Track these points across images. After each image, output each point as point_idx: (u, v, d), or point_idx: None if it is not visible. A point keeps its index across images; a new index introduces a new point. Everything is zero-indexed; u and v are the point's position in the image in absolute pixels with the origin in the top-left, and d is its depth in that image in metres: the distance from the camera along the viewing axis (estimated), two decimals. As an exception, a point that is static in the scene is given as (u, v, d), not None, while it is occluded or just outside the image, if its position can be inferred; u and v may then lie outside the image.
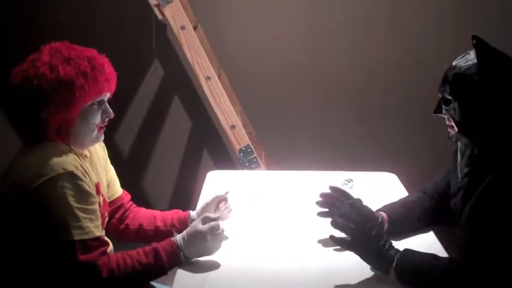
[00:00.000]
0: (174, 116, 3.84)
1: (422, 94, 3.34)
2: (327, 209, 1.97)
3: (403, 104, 3.79)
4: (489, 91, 1.70)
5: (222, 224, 1.85)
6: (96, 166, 1.95)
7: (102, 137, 1.89)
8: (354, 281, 1.73)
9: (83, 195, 1.72)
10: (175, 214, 2.14)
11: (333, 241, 1.76)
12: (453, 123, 1.79)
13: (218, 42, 3.58)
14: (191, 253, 1.80)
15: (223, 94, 3.13)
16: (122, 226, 2.11)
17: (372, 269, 1.75)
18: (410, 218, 2.04)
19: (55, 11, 3.66)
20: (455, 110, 1.76)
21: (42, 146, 1.76)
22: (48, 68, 1.72)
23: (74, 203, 1.68)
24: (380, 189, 2.43)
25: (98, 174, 1.94)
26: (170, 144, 3.88)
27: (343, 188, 2.36)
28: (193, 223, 1.86)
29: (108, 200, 2.03)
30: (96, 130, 1.84)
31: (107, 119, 1.87)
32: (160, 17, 3.32)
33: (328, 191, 1.97)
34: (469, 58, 1.74)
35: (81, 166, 1.77)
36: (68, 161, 1.72)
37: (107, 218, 2.00)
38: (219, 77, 3.23)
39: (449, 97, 1.77)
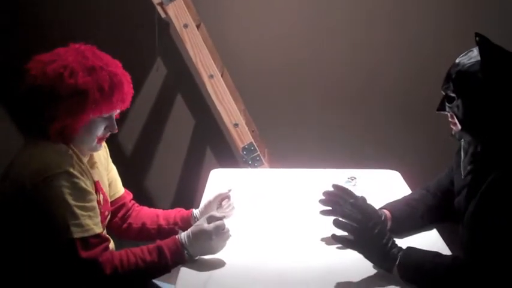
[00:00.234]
0: (177, 114, 3.84)
1: (425, 91, 3.34)
2: (329, 207, 1.97)
3: (406, 101, 3.79)
4: (492, 88, 1.70)
5: (225, 222, 1.85)
6: (97, 165, 1.96)
7: (100, 148, 1.89)
8: (357, 278, 1.73)
9: (81, 193, 1.72)
10: (178, 212, 2.14)
11: (335, 240, 1.76)
12: (456, 121, 1.78)
13: (221, 41, 3.58)
14: (195, 251, 1.80)
15: (226, 92, 3.13)
16: (125, 225, 2.11)
17: (375, 267, 1.75)
18: (414, 215, 2.03)
19: (57, 10, 3.65)
20: (458, 107, 1.76)
21: (42, 145, 1.76)
22: (69, 72, 1.71)
23: (72, 201, 1.69)
24: (383, 187, 2.43)
25: (98, 173, 1.94)
26: (173, 143, 3.88)
27: (347, 185, 2.36)
28: (199, 222, 1.86)
29: (110, 199, 2.03)
30: (96, 141, 1.84)
31: (108, 134, 1.87)
32: (163, 15, 3.32)
33: (332, 189, 1.97)
34: (472, 55, 1.74)
35: (79, 165, 1.77)
36: (65, 160, 1.72)
37: (108, 217, 2.00)
38: (222, 75, 3.23)
39: (453, 94, 1.76)
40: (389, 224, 1.97)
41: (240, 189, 2.33)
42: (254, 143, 3.18)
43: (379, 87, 3.77)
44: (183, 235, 1.82)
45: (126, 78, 1.83)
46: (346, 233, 1.76)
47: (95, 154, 1.97)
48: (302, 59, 3.72)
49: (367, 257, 1.73)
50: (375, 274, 1.74)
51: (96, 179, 1.90)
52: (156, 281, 2.07)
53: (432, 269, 1.65)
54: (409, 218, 2.03)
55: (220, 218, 1.85)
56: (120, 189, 2.12)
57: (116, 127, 1.86)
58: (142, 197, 3.58)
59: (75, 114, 1.73)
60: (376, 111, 3.81)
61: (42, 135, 1.77)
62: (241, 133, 3.16)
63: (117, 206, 2.10)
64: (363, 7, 3.65)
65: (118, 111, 1.86)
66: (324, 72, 3.74)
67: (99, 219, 1.79)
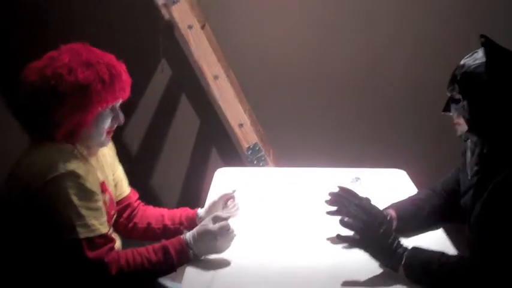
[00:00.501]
0: (182, 114, 3.85)
1: (432, 90, 3.33)
2: (335, 208, 1.97)
3: (411, 100, 3.78)
4: (498, 89, 1.69)
5: (230, 222, 1.85)
6: (103, 165, 1.96)
7: (109, 142, 1.90)
8: (363, 278, 1.73)
9: (86, 194, 1.73)
10: (183, 212, 2.15)
11: (340, 240, 1.76)
12: (461, 122, 1.78)
13: (226, 41, 3.58)
14: (200, 251, 1.81)
15: (231, 93, 3.14)
16: (130, 225, 2.11)
17: (381, 266, 1.75)
18: (419, 215, 2.03)
19: (62, 11, 3.66)
20: (464, 108, 1.75)
21: (47, 146, 1.76)
22: (67, 70, 1.72)
23: (77, 202, 1.69)
24: (389, 186, 2.42)
25: (104, 173, 1.95)
26: (178, 143, 3.89)
27: (352, 185, 2.38)
28: (204, 221, 1.86)
29: (116, 199, 2.04)
30: (105, 134, 1.85)
31: (115, 125, 1.88)
32: (167, 16, 3.33)
33: (337, 190, 1.97)
34: (478, 57, 1.74)
35: (84, 165, 1.78)
36: (70, 161, 1.73)
37: (114, 216, 2.00)
38: (227, 76, 3.23)
39: (458, 96, 1.76)
40: (395, 223, 1.97)
41: (245, 189, 2.33)
42: (259, 143, 3.18)
43: (385, 86, 3.77)
44: (188, 235, 1.82)
45: (122, 68, 1.84)
46: (352, 233, 1.76)
47: (101, 154, 1.98)
48: (307, 58, 3.72)
49: (373, 256, 1.73)
50: (380, 274, 1.74)
51: (101, 179, 1.90)
52: (162, 280, 2.07)
53: (438, 269, 1.65)
54: (415, 217, 2.03)
55: (226, 219, 1.86)
56: (126, 189, 2.13)
57: (122, 118, 1.87)
58: (148, 196, 3.57)
59: (82, 109, 1.74)
60: (382, 110, 3.81)
61: (47, 136, 1.78)
62: (246, 133, 3.16)
63: (123, 205, 2.11)
64: (368, 5, 3.64)
65: (120, 101, 1.86)
66: (329, 71, 3.74)
67: (105, 219, 1.79)
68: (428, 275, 1.67)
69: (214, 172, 2.63)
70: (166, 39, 3.60)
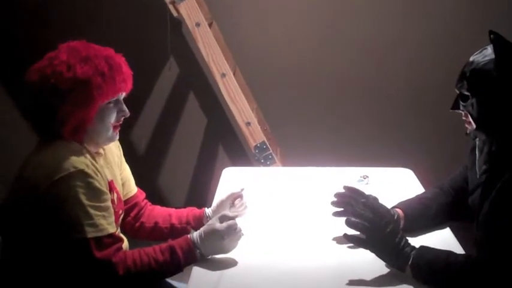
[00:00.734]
0: (189, 113, 3.85)
1: (437, 89, 3.33)
2: (342, 209, 1.96)
3: (419, 99, 3.77)
4: (507, 86, 1.68)
5: (237, 221, 1.85)
6: (111, 164, 1.96)
7: (117, 137, 1.90)
8: (369, 278, 1.72)
9: (95, 193, 1.73)
10: (190, 211, 2.14)
11: (347, 239, 1.76)
12: (471, 120, 1.77)
13: (233, 39, 3.58)
14: (207, 251, 1.80)
15: (238, 91, 3.14)
16: (137, 224, 2.11)
17: (388, 266, 1.74)
18: (427, 214, 2.02)
19: (70, 9, 3.68)
20: (473, 106, 1.74)
21: (55, 145, 1.77)
22: (66, 67, 1.73)
23: (86, 201, 1.69)
24: (396, 185, 2.42)
25: (112, 172, 1.95)
26: (186, 141, 3.89)
27: (359, 184, 2.37)
28: (211, 221, 1.86)
29: (123, 199, 2.04)
30: (112, 129, 1.85)
31: (122, 118, 1.87)
32: (175, 14, 3.33)
33: (343, 190, 1.96)
34: (487, 53, 1.72)
35: (93, 164, 1.78)
36: (79, 160, 1.73)
37: (121, 216, 2.00)
38: (234, 74, 3.23)
39: (467, 93, 1.75)
40: (402, 222, 1.96)
41: (253, 188, 2.33)
42: (266, 142, 3.18)
43: (392, 85, 3.76)
44: (195, 234, 1.82)
45: (121, 60, 1.84)
46: (358, 232, 1.75)
47: (109, 153, 1.98)
48: (314, 57, 3.71)
49: (379, 256, 1.73)
50: (387, 273, 1.73)
51: (109, 178, 1.90)
52: (169, 280, 2.07)
53: (445, 269, 1.64)
54: (422, 216, 2.02)
55: (233, 218, 1.84)
56: (133, 189, 2.13)
57: (127, 111, 1.87)
58: (155, 195, 3.59)
59: (84, 105, 1.74)
60: (389, 109, 3.80)
61: (55, 135, 1.78)
62: (253, 132, 3.16)
63: (130, 205, 2.11)
64: (375, 5, 3.64)
65: (124, 94, 1.86)
66: (336, 70, 3.74)
67: (113, 218, 1.79)
68: (436, 275, 1.66)
69: (221, 171, 2.62)
70: (175, 37, 3.61)
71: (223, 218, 1.84)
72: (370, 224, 1.72)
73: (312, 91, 3.77)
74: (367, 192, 1.91)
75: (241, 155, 3.84)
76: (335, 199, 1.97)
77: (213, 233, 1.79)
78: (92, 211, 1.70)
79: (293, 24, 3.68)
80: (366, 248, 1.74)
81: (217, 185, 2.45)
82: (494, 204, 1.70)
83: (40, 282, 1.77)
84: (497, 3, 3.60)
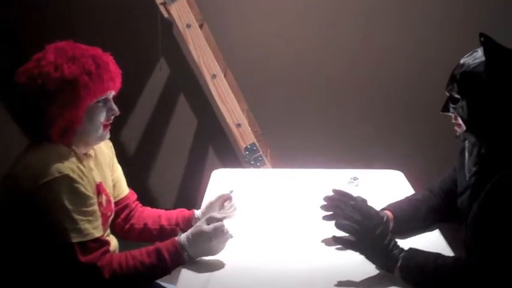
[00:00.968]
0: (179, 114, 3.84)
1: (429, 91, 3.33)
2: (331, 212, 1.96)
3: (409, 101, 3.78)
4: (497, 89, 1.68)
5: (226, 223, 1.84)
6: (101, 165, 1.95)
7: (108, 135, 1.89)
8: (358, 280, 1.72)
9: (80, 198, 1.72)
10: (180, 213, 2.14)
11: (336, 241, 1.76)
12: (461, 122, 1.77)
13: (224, 40, 3.58)
14: (195, 253, 1.80)
15: (229, 92, 3.13)
16: (127, 226, 2.11)
17: (377, 268, 1.74)
18: (416, 216, 2.03)
19: (61, 9, 3.66)
20: (463, 108, 1.74)
21: (43, 148, 1.76)
22: (53, 67, 1.72)
23: (70, 206, 1.68)
24: (386, 187, 2.42)
25: (102, 174, 1.94)
26: (176, 142, 3.89)
27: (349, 186, 2.38)
28: (198, 223, 1.85)
29: (114, 200, 2.03)
30: (102, 128, 1.84)
31: (112, 117, 1.87)
32: (166, 15, 3.32)
33: (332, 194, 1.96)
34: (477, 56, 1.72)
35: (79, 168, 1.77)
36: (64, 165, 1.72)
37: (111, 217, 1.99)
38: (225, 75, 3.23)
39: (457, 96, 1.75)
40: (392, 224, 1.96)
41: (242, 190, 2.33)
42: (257, 143, 3.18)
43: (382, 88, 3.77)
44: (182, 236, 1.81)
45: (109, 58, 1.84)
46: (347, 234, 1.75)
47: (100, 154, 1.97)
48: (305, 59, 3.72)
49: (368, 258, 1.72)
50: (376, 275, 1.73)
51: (99, 180, 1.89)
52: (159, 281, 2.06)
53: (434, 271, 1.64)
54: (412, 218, 2.02)
55: (220, 219, 1.84)
56: (124, 190, 2.12)
57: (117, 109, 1.86)
58: (145, 197, 3.58)
59: (72, 104, 1.73)
60: (379, 111, 3.81)
61: (43, 136, 1.77)
62: (243, 133, 3.16)
63: (121, 206, 2.10)
64: (366, 8, 3.65)
65: (113, 92, 1.85)
66: (327, 72, 3.74)
67: (99, 222, 1.78)
68: (425, 277, 1.66)
69: (211, 173, 2.62)
70: (165, 38, 3.60)
71: (210, 220, 1.83)
72: (359, 226, 1.72)
73: (302, 93, 3.77)
74: (356, 194, 1.91)
75: (231, 156, 3.84)
76: (324, 203, 1.97)
77: (201, 235, 1.79)
78: (76, 216, 1.69)
79: (284, 25, 3.68)
80: (355, 250, 1.73)
81: (207, 187, 2.45)
82: (483, 206, 1.71)
83: (26, 285, 1.76)
84: (490, 7, 3.61)
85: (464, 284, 1.62)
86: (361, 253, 1.73)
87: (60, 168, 1.70)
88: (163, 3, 3.12)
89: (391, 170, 2.63)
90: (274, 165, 3.36)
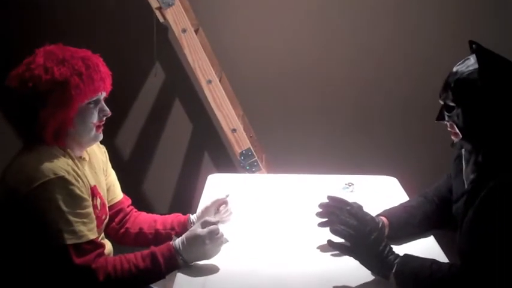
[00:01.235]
0: (175, 119, 3.84)
1: (424, 98, 3.35)
2: (327, 219, 1.96)
3: (404, 107, 3.79)
4: (492, 95, 1.69)
5: (222, 228, 1.84)
6: (95, 169, 1.96)
7: (101, 136, 1.90)
8: (353, 285, 1.72)
9: (75, 200, 1.72)
10: (175, 218, 2.14)
11: (331, 246, 1.76)
12: (457, 130, 1.77)
13: (219, 46, 3.58)
14: (190, 257, 1.80)
15: (224, 97, 3.13)
16: (122, 230, 2.10)
17: (372, 273, 1.75)
18: (411, 222, 2.03)
19: (56, 13, 3.66)
20: (458, 116, 1.74)
21: (37, 150, 1.76)
22: (43, 70, 1.73)
23: (65, 208, 1.69)
24: (381, 193, 2.42)
25: (96, 177, 1.94)
26: (171, 148, 3.88)
27: (344, 191, 2.38)
28: (193, 227, 1.85)
29: (108, 204, 2.03)
30: (94, 129, 1.85)
31: (104, 118, 1.87)
32: (161, 19, 3.32)
33: (327, 200, 1.97)
34: (470, 63, 1.72)
35: (74, 170, 1.77)
36: (59, 166, 1.72)
37: (105, 221, 1.99)
38: (220, 81, 3.23)
39: (452, 104, 1.74)
40: (387, 230, 1.96)
41: (238, 194, 2.33)
42: (252, 149, 3.18)
43: (378, 94, 3.78)
44: (177, 241, 1.81)
45: (99, 60, 1.85)
46: (343, 240, 1.75)
47: (94, 158, 1.97)
48: (300, 64, 3.72)
49: (363, 263, 1.73)
50: (371, 281, 1.74)
51: (93, 183, 1.89)
52: (153, 286, 2.06)
53: (429, 277, 1.64)
54: (407, 224, 2.02)
55: (215, 223, 1.84)
56: (118, 194, 2.12)
57: (108, 110, 1.87)
58: (140, 201, 3.57)
59: (64, 106, 1.74)
60: (374, 117, 3.82)
61: (38, 139, 1.78)
62: (239, 138, 3.16)
63: (115, 210, 2.10)
64: (362, 13, 3.66)
65: (104, 94, 1.86)
66: (323, 78, 3.75)
67: (94, 224, 1.78)
68: (420, 283, 1.66)
69: (206, 178, 2.62)
70: (161, 43, 3.60)
71: (205, 224, 1.83)
72: (355, 232, 1.72)
73: (297, 98, 3.78)
74: (351, 200, 1.92)
75: (226, 161, 3.84)
76: (320, 210, 1.97)
77: (195, 238, 1.79)
78: (71, 218, 1.70)
79: (279, 31, 3.69)
80: (350, 256, 1.74)
81: (202, 192, 2.45)
82: (478, 212, 1.70)
83: (20, 286, 1.75)
84: (484, 14, 3.63)
85: (459, 290, 1.62)
86: (356, 258, 1.73)
87: (55, 169, 1.70)
88: (159, 8, 3.12)
89: (386, 176, 2.63)
90: (269, 170, 3.36)
